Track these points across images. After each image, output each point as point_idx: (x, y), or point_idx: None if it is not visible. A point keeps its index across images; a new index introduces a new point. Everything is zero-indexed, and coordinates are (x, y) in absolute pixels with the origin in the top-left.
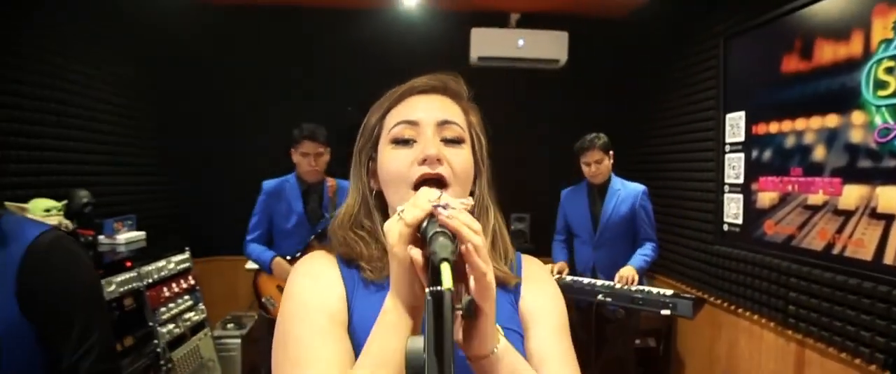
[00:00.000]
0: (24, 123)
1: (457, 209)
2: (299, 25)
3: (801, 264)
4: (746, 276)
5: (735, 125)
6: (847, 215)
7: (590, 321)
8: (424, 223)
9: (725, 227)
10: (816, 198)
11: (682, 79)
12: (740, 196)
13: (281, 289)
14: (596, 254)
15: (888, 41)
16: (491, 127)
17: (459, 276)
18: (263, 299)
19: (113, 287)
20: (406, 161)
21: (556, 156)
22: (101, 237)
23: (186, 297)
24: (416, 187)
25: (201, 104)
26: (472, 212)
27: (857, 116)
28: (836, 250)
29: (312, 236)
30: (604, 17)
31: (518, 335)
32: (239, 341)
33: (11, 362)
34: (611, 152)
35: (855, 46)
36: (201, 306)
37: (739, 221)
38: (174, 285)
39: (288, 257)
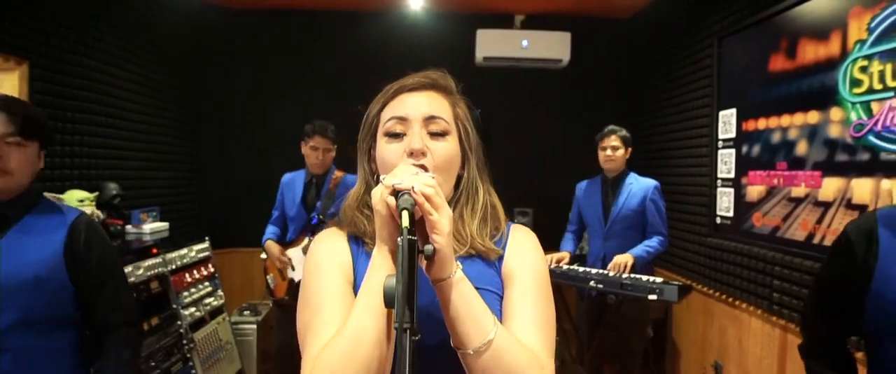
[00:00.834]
0: (59, 122)
1: (420, 175)
2: (311, 28)
3: (784, 253)
4: (736, 266)
5: (727, 122)
6: (826, 206)
7: (592, 311)
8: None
9: (718, 220)
10: (799, 191)
11: (680, 78)
12: (731, 190)
13: (279, 272)
14: (606, 245)
15: (863, 41)
16: (495, 124)
17: (423, 229)
18: (267, 278)
19: (141, 271)
20: (396, 153)
21: (559, 152)
22: (129, 227)
23: (206, 283)
24: None
25: (221, 104)
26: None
27: (835, 113)
28: (816, 240)
29: (305, 224)
30: (605, 18)
31: (496, 296)
32: (255, 326)
33: (52, 303)
34: (629, 148)
35: (833, 46)
36: (220, 292)
37: (730, 214)
38: (195, 271)
39: (286, 240)
